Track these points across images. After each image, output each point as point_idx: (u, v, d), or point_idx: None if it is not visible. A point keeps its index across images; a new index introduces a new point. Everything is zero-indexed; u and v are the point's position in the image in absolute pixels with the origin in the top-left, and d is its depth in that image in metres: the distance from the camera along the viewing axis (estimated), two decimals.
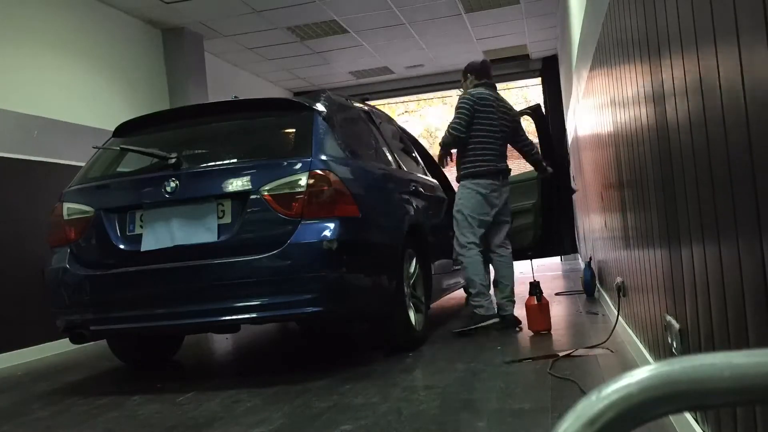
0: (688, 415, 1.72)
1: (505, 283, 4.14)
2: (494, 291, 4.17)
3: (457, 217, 4.12)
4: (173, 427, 2.46)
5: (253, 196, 3.07)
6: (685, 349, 1.77)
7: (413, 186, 4.14)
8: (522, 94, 22.98)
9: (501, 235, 4.21)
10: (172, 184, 3.17)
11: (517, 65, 9.67)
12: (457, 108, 4.13)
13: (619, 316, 3.39)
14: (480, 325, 3.92)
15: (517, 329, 4.00)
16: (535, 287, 3.90)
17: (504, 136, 4.19)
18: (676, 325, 1.83)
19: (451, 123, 4.12)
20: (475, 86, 4.23)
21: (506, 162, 4.24)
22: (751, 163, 1.09)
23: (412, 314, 3.60)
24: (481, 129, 4.09)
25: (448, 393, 2.61)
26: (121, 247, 3.24)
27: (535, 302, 3.85)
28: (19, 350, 4.57)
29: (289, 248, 2.98)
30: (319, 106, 3.48)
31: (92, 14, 5.83)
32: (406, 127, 5.30)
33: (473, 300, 4.04)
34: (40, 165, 4.98)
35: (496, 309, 4.03)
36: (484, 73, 4.31)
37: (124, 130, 3.72)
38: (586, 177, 5.47)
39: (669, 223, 1.85)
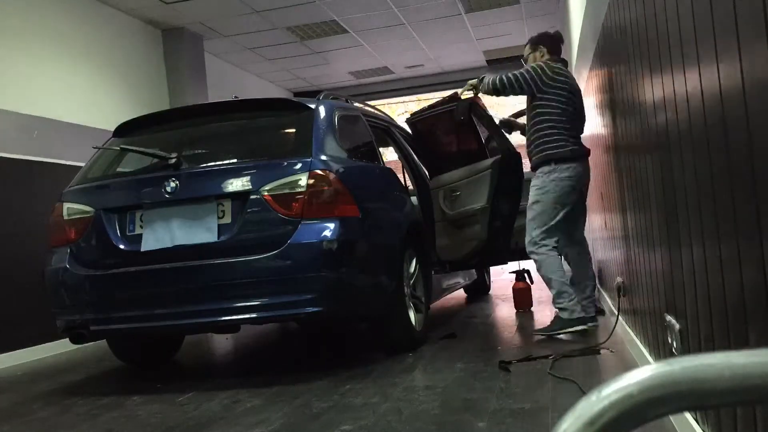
0: (688, 415, 1.72)
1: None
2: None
3: (535, 208, 3.69)
4: (173, 427, 2.46)
5: (253, 196, 3.07)
6: (685, 349, 1.77)
7: (413, 185, 4.13)
8: None
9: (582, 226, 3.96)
10: (172, 184, 3.17)
11: (518, 65, 9.65)
12: (525, 71, 3.70)
13: (619, 316, 3.39)
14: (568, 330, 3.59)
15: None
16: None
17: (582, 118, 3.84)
18: (676, 325, 1.83)
19: (512, 75, 3.69)
20: (552, 61, 3.77)
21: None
22: (752, 163, 1.09)
23: (412, 314, 3.60)
24: (560, 106, 3.66)
25: (448, 393, 2.60)
26: (121, 247, 3.23)
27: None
28: (19, 350, 4.57)
29: (289, 248, 2.98)
30: (319, 106, 3.48)
31: (92, 14, 5.83)
32: (405, 126, 5.29)
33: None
34: (40, 165, 4.98)
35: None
36: (557, 49, 3.86)
37: (124, 130, 3.72)
38: None
39: (669, 223, 1.85)
